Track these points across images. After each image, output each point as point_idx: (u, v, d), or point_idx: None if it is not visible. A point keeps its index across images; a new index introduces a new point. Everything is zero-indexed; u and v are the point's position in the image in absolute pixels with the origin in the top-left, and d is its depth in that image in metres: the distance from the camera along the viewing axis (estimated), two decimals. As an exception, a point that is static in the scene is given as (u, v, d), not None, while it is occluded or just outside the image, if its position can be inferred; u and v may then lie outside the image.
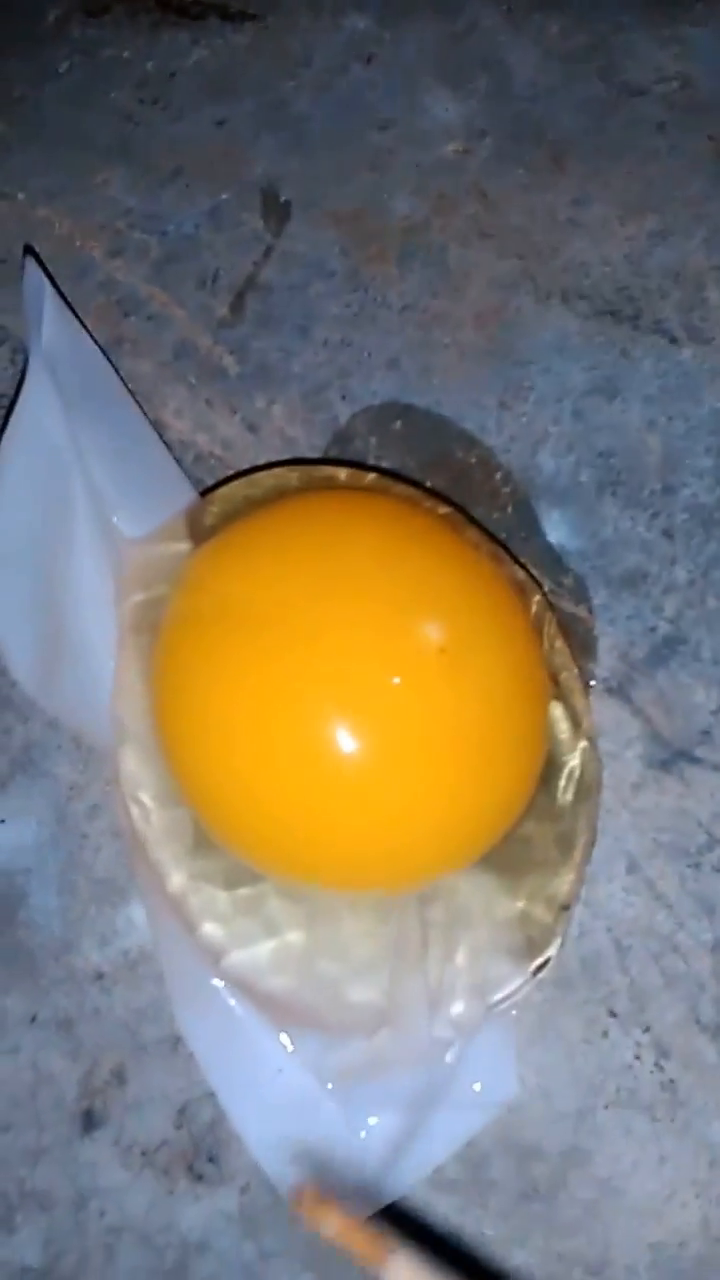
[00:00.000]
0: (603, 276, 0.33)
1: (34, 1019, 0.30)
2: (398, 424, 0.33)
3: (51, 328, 0.30)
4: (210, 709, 0.27)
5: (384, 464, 0.32)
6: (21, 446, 0.29)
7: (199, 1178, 0.30)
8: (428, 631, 0.27)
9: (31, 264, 0.32)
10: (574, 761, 0.29)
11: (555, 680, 0.30)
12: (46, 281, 0.31)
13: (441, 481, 0.32)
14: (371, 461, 0.32)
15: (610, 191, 0.34)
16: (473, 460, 0.32)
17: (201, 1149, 0.30)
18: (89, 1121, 0.30)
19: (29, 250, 0.33)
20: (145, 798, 0.29)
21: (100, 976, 0.30)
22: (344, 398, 0.33)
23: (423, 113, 0.34)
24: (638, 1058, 0.30)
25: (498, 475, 0.32)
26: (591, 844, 0.30)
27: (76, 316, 0.32)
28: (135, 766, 0.29)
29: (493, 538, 0.31)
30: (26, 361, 0.32)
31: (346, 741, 0.26)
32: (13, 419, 0.29)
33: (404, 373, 0.33)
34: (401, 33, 0.35)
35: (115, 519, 0.30)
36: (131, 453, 0.31)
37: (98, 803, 0.31)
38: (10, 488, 0.30)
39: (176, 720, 0.28)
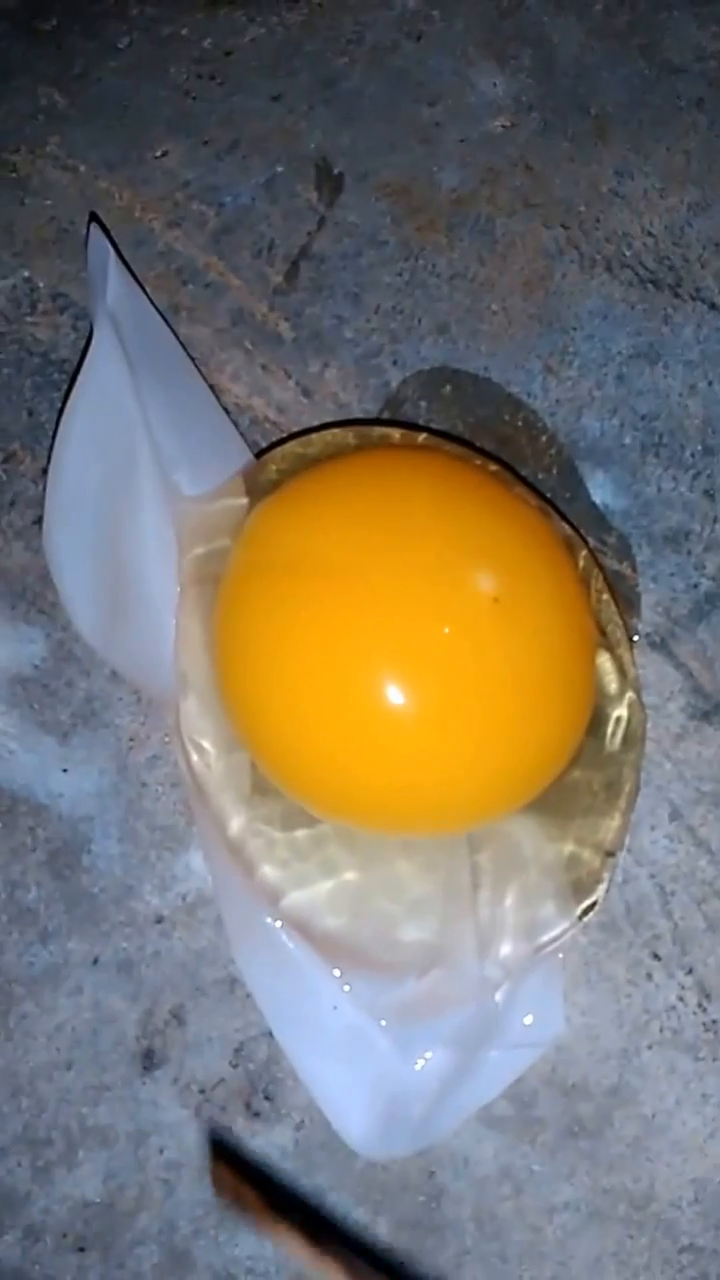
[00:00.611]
0: (644, 246, 0.34)
1: (96, 961, 0.31)
2: (447, 388, 0.34)
3: (116, 293, 0.31)
4: (270, 657, 0.28)
5: (434, 426, 0.33)
6: (88, 407, 0.30)
7: (255, 1114, 0.31)
8: (481, 582, 0.28)
9: (96, 232, 0.33)
10: (621, 711, 0.30)
11: (602, 632, 0.31)
12: (111, 250, 0.32)
13: (489, 443, 0.33)
14: (422, 424, 0.33)
15: (651, 164, 0.35)
16: (520, 423, 0.33)
17: (258, 1087, 0.31)
18: (149, 1060, 0.31)
19: (94, 219, 0.34)
20: (206, 744, 0.30)
21: (160, 920, 0.31)
22: (395, 363, 0.34)
23: (470, 88, 0.35)
24: (681, 999, 0.31)
25: (544, 437, 0.33)
26: (636, 792, 0.30)
27: (138, 283, 0.33)
28: (196, 714, 0.30)
29: (540, 496, 0.32)
30: (89, 327, 0.33)
31: (401, 689, 0.27)
32: (80, 381, 0.30)
33: (453, 339, 0.34)
34: (450, 11, 0.36)
35: (176, 477, 0.31)
36: (191, 414, 0.32)
37: (157, 753, 0.32)
38: (77, 446, 0.31)
39: (238, 668, 0.29)
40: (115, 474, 0.31)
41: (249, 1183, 0.25)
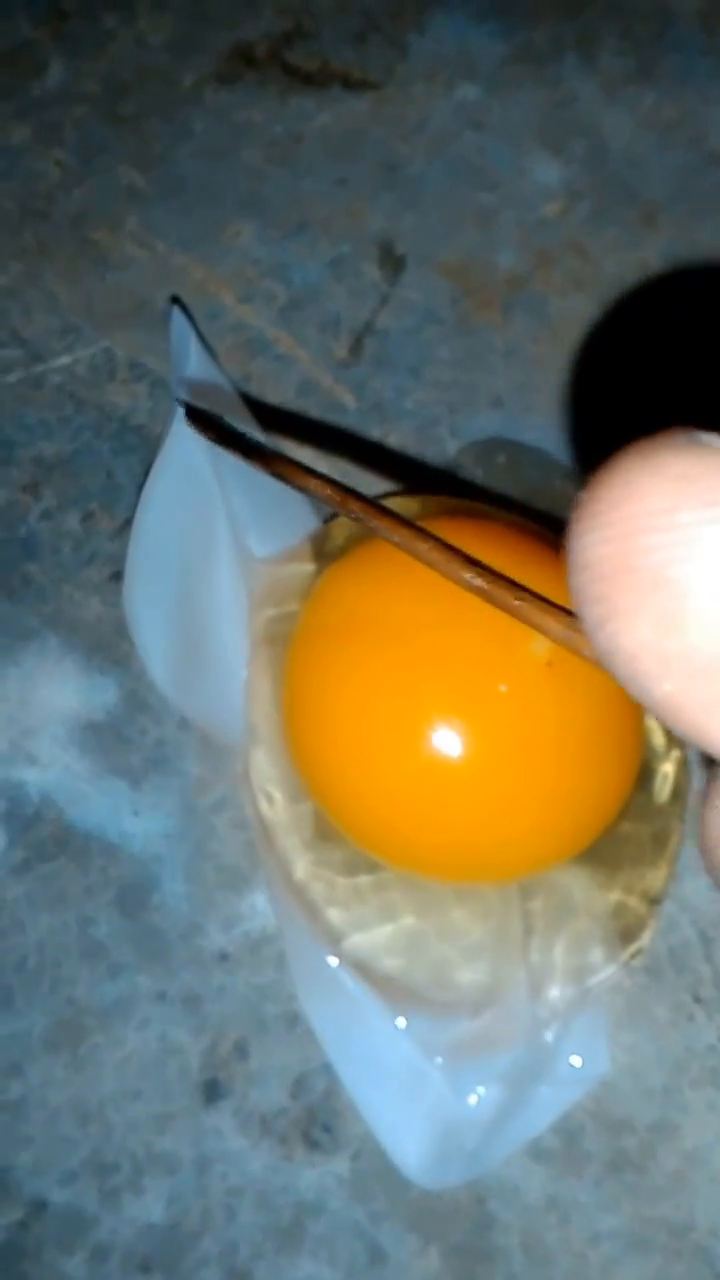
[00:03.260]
0: (690, 326, 0.36)
1: (163, 996, 0.33)
2: (502, 457, 0.36)
3: (195, 368, 0.33)
4: (336, 714, 0.30)
5: (490, 494, 0.35)
6: (171, 472, 0.32)
7: (314, 1145, 0.32)
8: (537, 647, 0.30)
9: (178, 312, 0.35)
10: (668, 766, 0.32)
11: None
12: (191, 328, 0.34)
13: (542, 509, 0.35)
14: (477, 493, 0.35)
15: (698, 249, 0.37)
16: (572, 491, 0.35)
17: (316, 1118, 0.32)
18: (212, 1091, 0.32)
19: (175, 300, 0.36)
20: (274, 792, 0.32)
21: (224, 957, 0.33)
22: (452, 433, 0.36)
23: (526, 175, 0.37)
24: (720, 1041, 0.32)
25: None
26: (681, 843, 0.32)
27: (213, 356, 0.35)
28: (265, 764, 0.32)
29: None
30: (165, 395, 0.35)
31: (458, 746, 0.29)
32: (164, 448, 0.32)
33: (508, 411, 0.36)
34: (507, 102, 0.38)
35: (248, 540, 0.33)
36: (262, 480, 0.33)
37: (223, 797, 0.34)
38: (159, 509, 0.32)
39: (306, 723, 0.31)
40: (193, 536, 0.33)
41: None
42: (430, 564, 0.18)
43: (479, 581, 0.17)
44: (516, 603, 0.16)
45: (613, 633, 0.12)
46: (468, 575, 0.17)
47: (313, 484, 0.21)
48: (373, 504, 0.19)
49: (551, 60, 0.38)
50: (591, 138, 0.38)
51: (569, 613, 0.15)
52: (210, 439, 0.25)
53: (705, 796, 0.13)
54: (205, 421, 0.26)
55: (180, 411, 0.33)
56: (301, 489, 0.21)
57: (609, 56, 0.38)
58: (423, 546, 0.18)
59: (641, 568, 0.11)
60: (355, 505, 0.20)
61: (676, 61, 0.38)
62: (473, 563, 0.17)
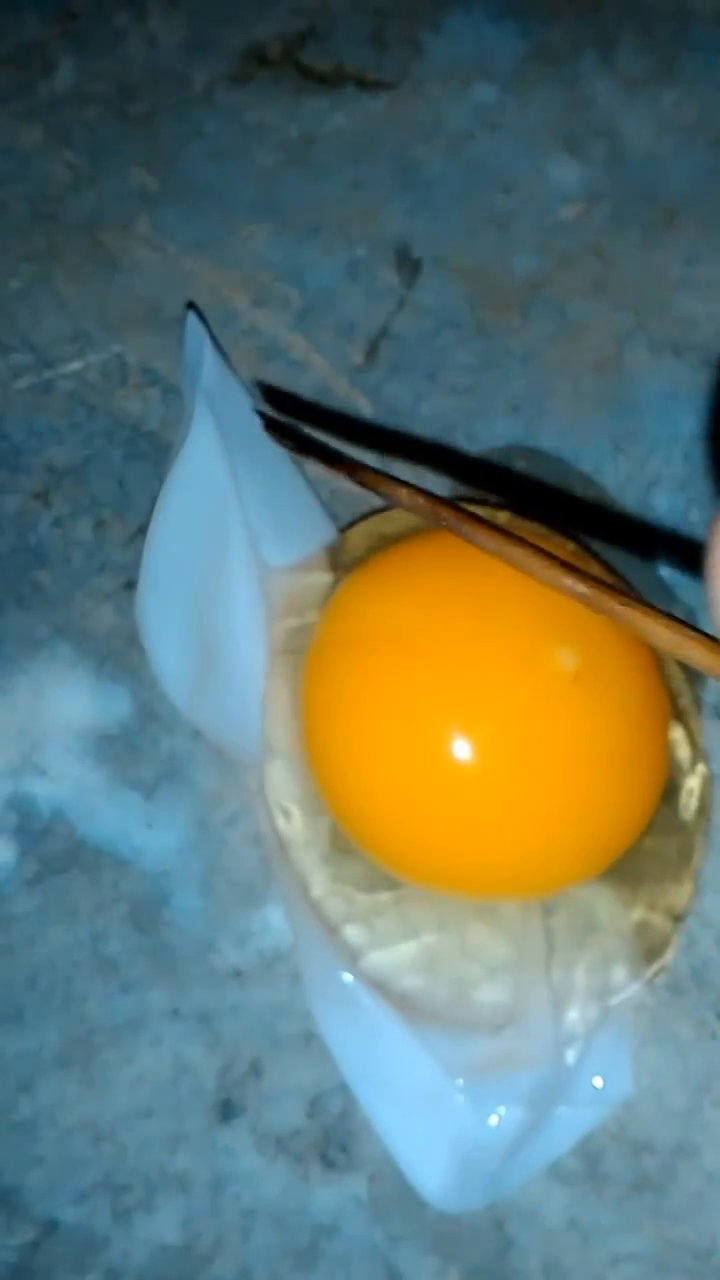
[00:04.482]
0: (713, 331, 0.36)
1: (176, 1013, 0.32)
2: (520, 464, 0.35)
3: (211, 375, 0.33)
4: (356, 727, 0.30)
5: (507, 501, 0.35)
6: (186, 482, 0.32)
7: (330, 1165, 0.32)
8: (561, 659, 0.29)
9: (193, 317, 0.34)
10: (693, 781, 0.31)
11: (674, 704, 0.32)
12: (207, 335, 0.34)
13: (561, 518, 0.34)
14: (495, 499, 0.35)
15: (718, 251, 0.36)
16: (590, 499, 0.35)
17: (333, 1138, 0.32)
18: (226, 1110, 0.32)
19: (191, 305, 0.35)
20: (291, 806, 0.31)
21: (238, 974, 0.32)
22: (469, 439, 0.35)
23: (544, 177, 0.37)
24: (744, 1060, 0.32)
25: (613, 513, 0.35)
26: (705, 858, 0.32)
27: (228, 362, 0.34)
28: (282, 778, 0.32)
29: (612, 570, 0.33)
30: (177, 401, 0.35)
31: (480, 760, 0.28)
32: (180, 457, 0.32)
33: (525, 416, 0.35)
34: (525, 102, 0.37)
35: (264, 549, 0.32)
36: (278, 489, 0.33)
37: (237, 811, 0.33)
38: (174, 518, 0.32)
39: (325, 737, 0.30)
40: (208, 544, 0.32)
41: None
42: (529, 571, 0.18)
43: (581, 588, 0.17)
44: (622, 609, 0.16)
45: None
46: (569, 581, 0.17)
47: (403, 493, 0.20)
48: (465, 512, 0.19)
49: (569, 60, 0.38)
50: (610, 138, 0.37)
51: (678, 620, 0.15)
52: (290, 449, 0.25)
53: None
54: (284, 431, 0.25)
55: (196, 419, 0.32)
56: (390, 498, 0.21)
57: (628, 56, 0.38)
58: (519, 553, 0.18)
59: None
60: (447, 514, 0.19)
61: (696, 61, 0.38)
62: (573, 569, 0.17)
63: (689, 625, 0.14)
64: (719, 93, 0.37)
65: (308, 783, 0.31)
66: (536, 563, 0.17)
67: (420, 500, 0.20)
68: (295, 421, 0.26)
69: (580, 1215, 0.31)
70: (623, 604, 0.16)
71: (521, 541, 0.18)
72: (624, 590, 0.15)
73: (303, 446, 0.25)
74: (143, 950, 0.32)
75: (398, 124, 0.37)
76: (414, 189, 0.36)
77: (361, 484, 0.22)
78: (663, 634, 0.15)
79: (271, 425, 0.25)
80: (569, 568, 0.17)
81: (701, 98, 0.37)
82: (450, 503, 0.20)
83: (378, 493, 0.21)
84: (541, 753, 0.29)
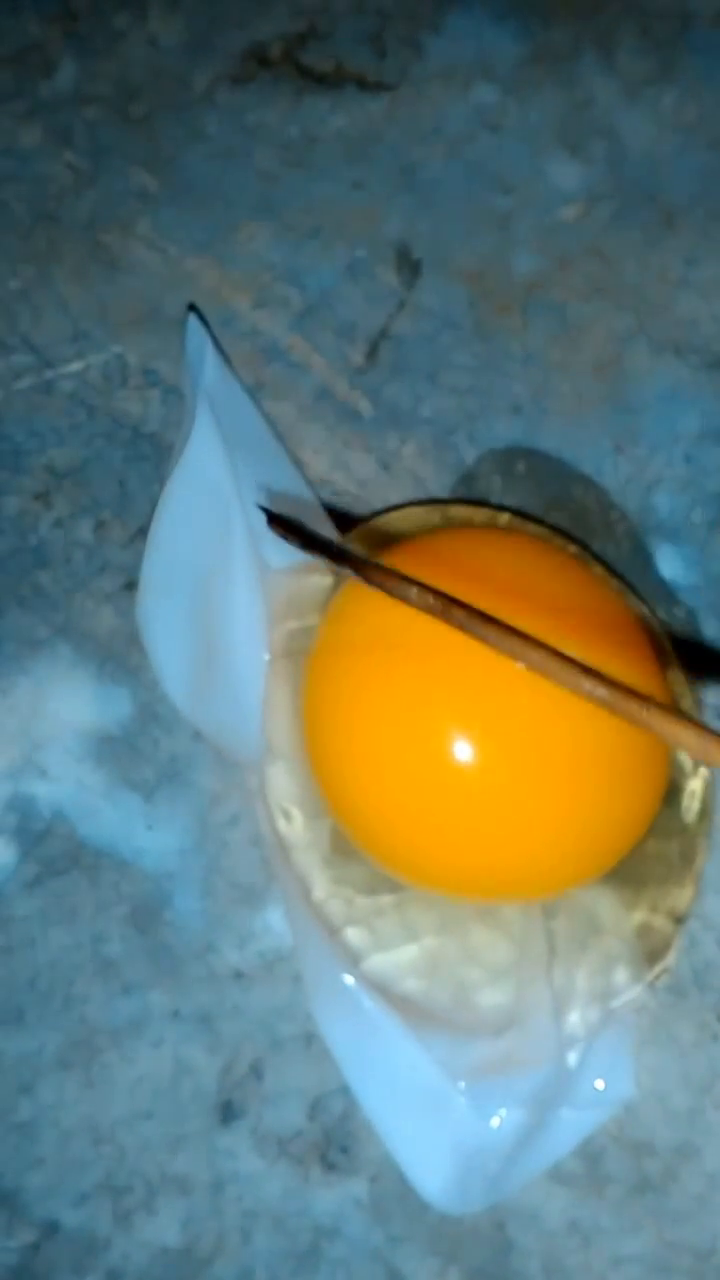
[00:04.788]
0: (712, 331, 0.36)
1: (176, 1014, 0.32)
2: (520, 465, 0.35)
3: (212, 377, 0.33)
4: (357, 729, 0.30)
5: (507, 502, 0.35)
6: (187, 482, 0.32)
7: (331, 1167, 0.32)
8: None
9: (194, 319, 0.34)
10: (695, 783, 0.31)
11: (676, 706, 0.32)
12: (208, 337, 0.34)
13: (562, 519, 0.34)
14: (496, 500, 0.35)
15: (719, 253, 0.36)
16: (591, 500, 0.35)
17: (334, 1140, 0.32)
18: (227, 1112, 0.32)
19: (192, 307, 0.35)
20: (292, 808, 0.31)
21: (239, 976, 0.32)
22: (470, 440, 0.35)
23: (544, 178, 0.37)
24: (746, 1062, 0.32)
25: (614, 514, 0.35)
26: (708, 860, 0.32)
27: (230, 366, 0.34)
28: (283, 780, 0.32)
29: (612, 571, 0.33)
30: (178, 402, 0.35)
31: (481, 763, 0.28)
32: (180, 459, 0.32)
33: (526, 418, 0.35)
34: (525, 104, 0.37)
35: (264, 551, 0.32)
36: (279, 490, 0.33)
37: (237, 812, 0.33)
38: (175, 518, 0.32)
39: (325, 738, 0.30)
40: (209, 546, 0.32)
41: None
42: (545, 673, 0.17)
43: (600, 691, 0.16)
44: (645, 714, 0.16)
45: None
46: (587, 685, 0.17)
47: (413, 593, 0.20)
48: (479, 614, 0.19)
49: (570, 61, 0.37)
50: (611, 139, 0.37)
51: (703, 725, 0.14)
52: (295, 545, 0.24)
53: None
54: (289, 527, 0.25)
55: (197, 420, 0.32)
56: (400, 597, 0.21)
57: (628, 57, 0.38)
58: (537, 656, 0.18)
59: None
60: (459, 614, 0.19)
61: (697, 62, 0.37)
62: (592, 672, 0.17)
63: (714, 731, 0.14)
64: (718, 94, 0.37)
65: (308, 784, 0.31)
66: (555, 665, 0.17)
67: (431, 600, 0.20)
68: (299, 520, 0.25)
69: (581, 1217, 0.31)
70: (645, 709, 0.16)
71: (539, 644, 0.18)
72: (645, 695, 0.15)
73: (309, 543, 0.24)
74: (143, 951, 0.32)
75: (398, 125, 0.37)
76: (414, 190, 0.36)
77: (369, 581, 0.21)
78: (689, 740, 0.15)
79: (276, 521, 0.25)
80: (588, 671, 0.17)
81: (701, 98, 0.37)
82: (462, 604, 0.19)
83: (386, 591, 0.21)
84: (543, 755, 0.29)
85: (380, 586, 0.21)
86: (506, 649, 0.18)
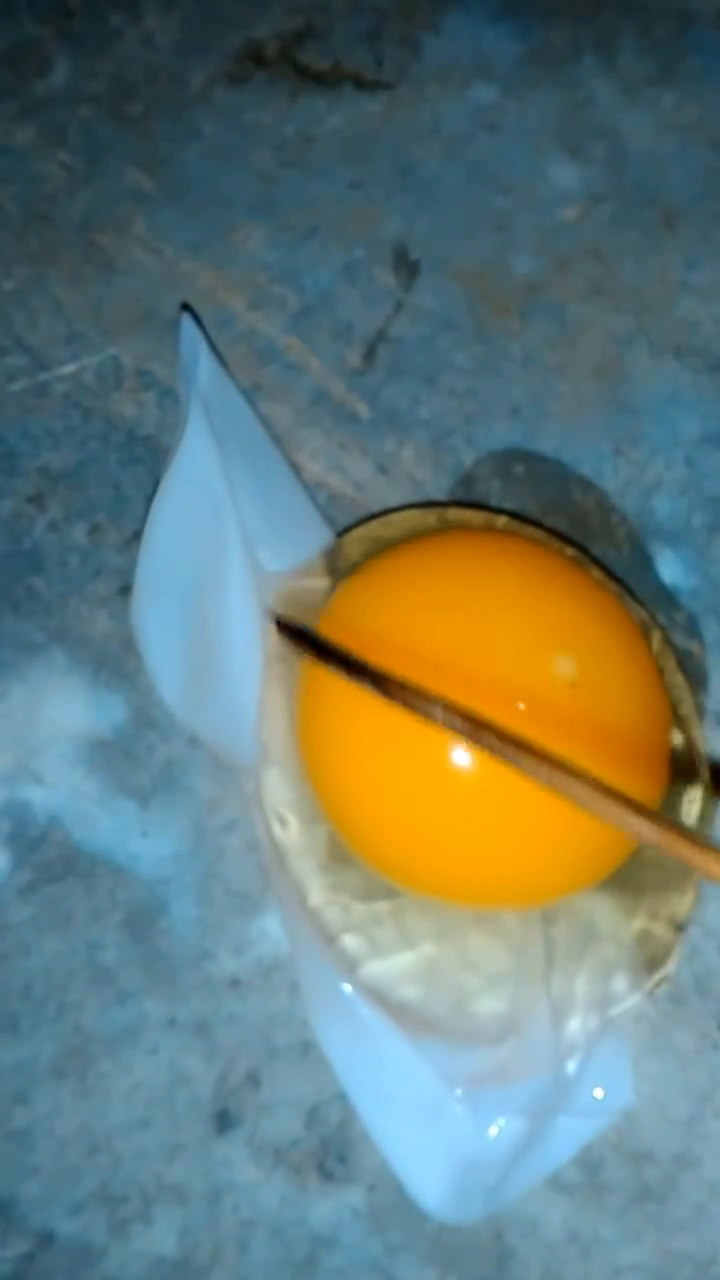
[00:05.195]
0: (712, 334, 0.35)
1: (172, 1022, 0.32)
2: (519, 468, 0.35)
3: (206, 379, 0.32)
4: (351, 733, 0.29)
5: (506, 505, 0.34)
6: (181, 485, 0.31)
7: (328, 1176, 0.31)
8: (559, 666, 0.29)
9: (188, 320, 0.34)
10: (695, 790, 0.31)
11: (675, 711, 0.31)
12: (203, 338, 0.33)
13: (561, 522, 0.34)
14: (494, 503, 0.34)
15: (719, 254, 0.36)
16: (590, 503, 0.34)
17: (331, 1149, 0.31)
18: (223, 1121, 0.32)
19: (186, 307, 0.35)
20: (288, 814, 0.31)
21: (235, 983, 0.32)
22: (469, 442, 0.35)
23: (543, 178, 0.37)
24: (746, 1070, 0.32)
25: (614, 517, 0.34)
26: (706, 867, 0.31)
27: (225, 367, 0.34)
28: (278, 785, 0.31)
29: (612, 575, 0.33)
30: (173, 404, 0.34)
31: (480, 768, 0.28)
32: (174, 462, 0.32)
33: (525, 420, 0.35)
34: (524, 103, 0.37)
35: (260, 554, 0.32)
36: (274, 493, 0.33)
37: (234, 818, 0.33)
38: (169, 522, 0.32)
39: (320, 743, 0.30)
40: (204, 549, 0.32)
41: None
42: (584, 804, 0.17)
43: (650, 832, 0.16)
44: (697, 855, 0.15)
45: None
46: (634, 821, 0.16)
47: (437, 710, 0.20)
48: (509, 738, 0.18)
49: (569, 61, 0.37)
50: (610, 140, 0.37)
51: None
52: (307, 654, 0.24)
53: None
54: (300, 637, 0.24)
55: (191, 423, 0.32)
56: (424, 715, 0.20)
57: (628, 57, 0.37)
58: (576, 785, 0.17)
59: None
60: (489, 737, 0.18)
61: (697, 62, 0.37)
62: (640, 808, 0.16)
63: None
64: (719, 94, 0.37)
65: (304, 790, 0.31)
66: (598, 800, 0.17)
67: (458, 720, 0.19)
68: (312, 629, 0.25)
69: (581, 1226, 0.31)
70: (696, 847, 0.15)
71: (579, 774, 0.17)
72: (696, 834, 0.14)
73: (323, 655, 0.24)
74: (139, 959, 0.32)
75: (396, 124, 0.37)
76: (412, 190, 0.36)
77: (388, 698, 0.21)
78: None
79: (284, 629, 0.25)
80: (636, 806, 0.16)
81: (701, 99, 0.37)
82: (491, 726, 0.19)
83: (411, 709, 0.20)
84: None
85: (403, 703, 0.20)
86: (544, 778, 0.17)
